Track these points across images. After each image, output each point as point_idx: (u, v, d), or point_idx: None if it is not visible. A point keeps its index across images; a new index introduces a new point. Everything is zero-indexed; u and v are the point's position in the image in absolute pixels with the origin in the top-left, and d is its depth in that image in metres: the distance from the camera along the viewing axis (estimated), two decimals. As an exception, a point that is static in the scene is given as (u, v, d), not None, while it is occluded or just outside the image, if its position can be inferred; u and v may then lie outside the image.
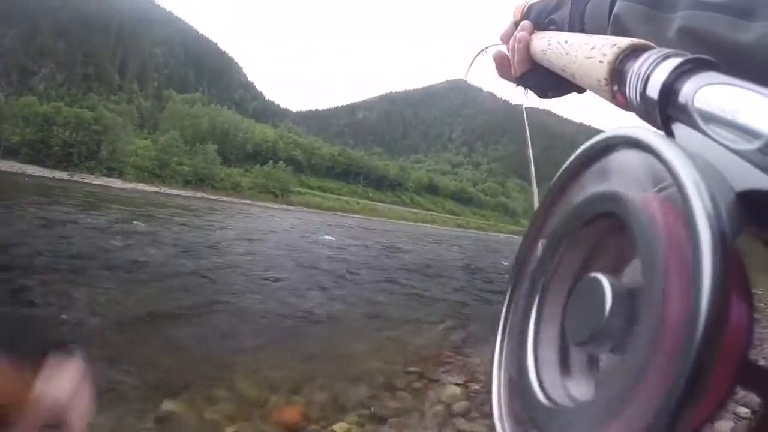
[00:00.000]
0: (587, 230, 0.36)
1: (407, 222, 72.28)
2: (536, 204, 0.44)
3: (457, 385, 4.61)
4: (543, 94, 0.70)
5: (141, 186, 48.54)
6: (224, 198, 54.18)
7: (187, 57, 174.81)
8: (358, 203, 77.77)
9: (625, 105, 0.42)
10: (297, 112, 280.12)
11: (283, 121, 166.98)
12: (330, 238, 21.61)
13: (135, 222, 14.82)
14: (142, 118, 79.98)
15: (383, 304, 8.05)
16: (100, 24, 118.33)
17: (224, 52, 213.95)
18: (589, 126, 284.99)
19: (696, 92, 0.32)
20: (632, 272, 0.31)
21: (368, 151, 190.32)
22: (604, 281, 0.29)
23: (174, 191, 50.77)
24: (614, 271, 0.33)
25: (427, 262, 16.24)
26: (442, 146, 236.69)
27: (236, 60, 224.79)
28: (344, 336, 6.10)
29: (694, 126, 0.31)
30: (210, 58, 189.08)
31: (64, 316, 5.05)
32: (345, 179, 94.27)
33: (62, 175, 43.85)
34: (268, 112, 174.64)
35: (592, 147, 0.36)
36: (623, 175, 0.32)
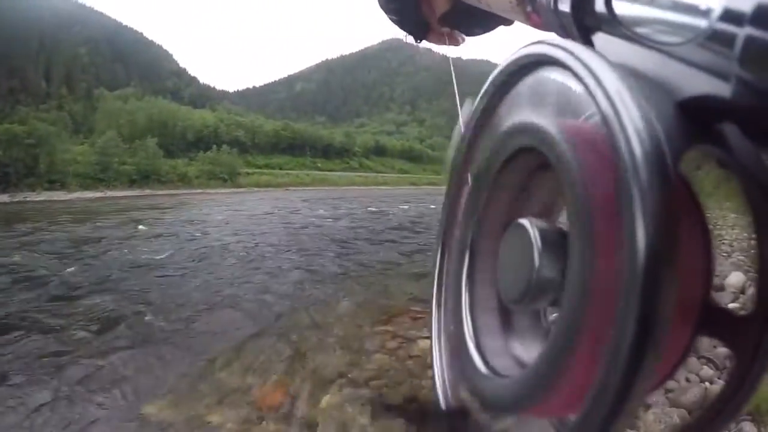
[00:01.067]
0: (510, 170, 0.32)
1: (358, 187, 72.80)
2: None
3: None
4: (469, 32, 0.65)
5: (87, 194, 46.55)
6: (173, 191, 53.60)
7: (113, 52, 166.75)
8: (308, 175, 77.63)
9: (542, 25, 0.38)
10: (235, 92, 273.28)
11: (222, 103, 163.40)
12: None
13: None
14: (76, 122, 76.99)
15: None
16: (21, 34, 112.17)
17: (151, 41, 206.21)
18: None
19: None
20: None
21: (311, 122, 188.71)
22: (530, 226, 0.26)
23: (120, 193, 48.68)
24: (547, 213, 0.31)
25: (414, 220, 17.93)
26: (384, 107, 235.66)
27: (165, 48, 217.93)
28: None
29: (617, 32, 0.27)
30: (137, 50, 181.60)
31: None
32: (292, 153, 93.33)
33: (2, 198, 42.33)
34: (204, 97, 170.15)
35: (502, 73, 0.31)
36: (542, 101, 0.28)
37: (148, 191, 54.10)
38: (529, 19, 0.40)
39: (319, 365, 4.07)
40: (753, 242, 0.21)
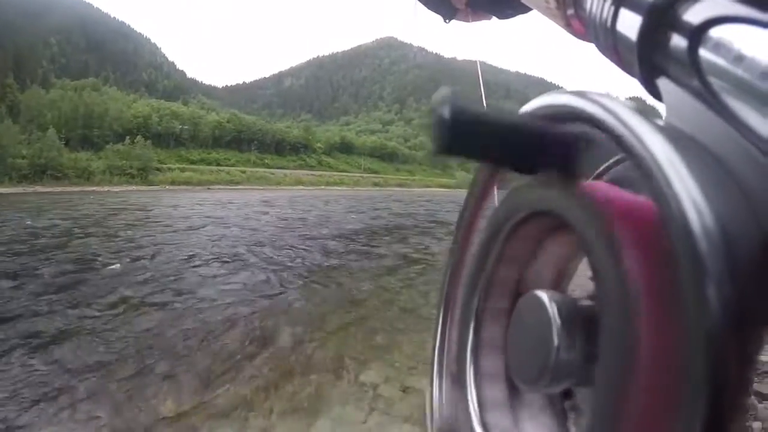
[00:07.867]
0: (522, 232, 0.29)
1: (305, 187, 67.26)
2: None
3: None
4: (500, 15, 0.60)
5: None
6: (57, 189, 47.22)
7: (89, 42, 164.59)
8: (243, 173, 71.11)
9: (584, 35, 0.32)
10: (224, 87, 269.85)
11: (196, 97, 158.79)
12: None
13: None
14: (13, 115, 70.10)
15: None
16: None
17: (138, 34, 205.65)
18: (525, 74, 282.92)
19: (703, 33, 0.20)
20: (585, 283, 0.24)
21: (297, 119, 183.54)
22: (547, 300, 0.23)
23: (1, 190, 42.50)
24: (561, 282, 0.27)
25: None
26: (373, 105, 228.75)
27: (152, 41, 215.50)
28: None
29: (697, 92, 0.20)
30: (116, 41, 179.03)
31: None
32: (238, 147, 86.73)
33: None
34: (180, 90, 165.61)
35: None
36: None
37: (38, 188, 47.15)
38: (568, 25, 0.35)
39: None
40: None
